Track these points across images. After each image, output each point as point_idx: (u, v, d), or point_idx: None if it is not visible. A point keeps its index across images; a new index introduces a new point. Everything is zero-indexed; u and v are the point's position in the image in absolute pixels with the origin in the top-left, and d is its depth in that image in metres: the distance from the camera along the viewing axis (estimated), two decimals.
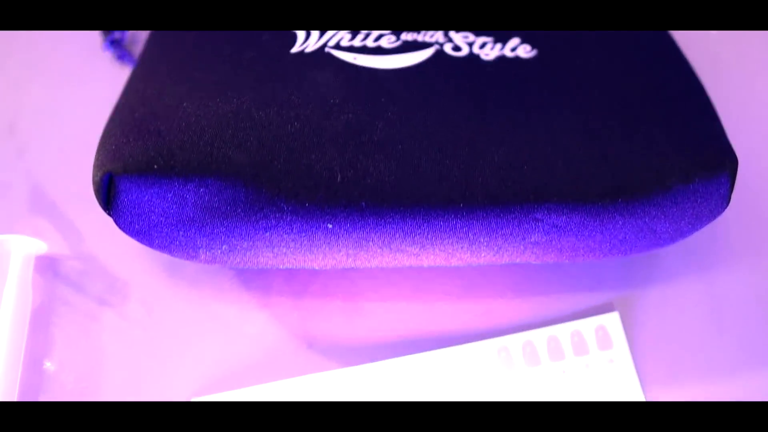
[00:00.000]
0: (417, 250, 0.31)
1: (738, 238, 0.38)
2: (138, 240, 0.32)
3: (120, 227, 0.32)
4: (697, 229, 0.33)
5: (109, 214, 0.31)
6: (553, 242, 0.32)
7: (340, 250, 0.31)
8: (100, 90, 0.38)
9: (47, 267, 0.36)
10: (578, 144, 0.33)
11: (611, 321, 0.36)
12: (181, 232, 0.31)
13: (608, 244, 0.32)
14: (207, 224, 0.31)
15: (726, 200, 0.33)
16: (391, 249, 0.31)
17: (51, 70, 0.41)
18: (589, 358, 0.35)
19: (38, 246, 0.36)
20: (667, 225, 0.32)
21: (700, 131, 0.34)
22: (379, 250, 0.31)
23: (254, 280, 0.36)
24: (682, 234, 0.33)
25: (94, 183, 0.31)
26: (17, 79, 0.41)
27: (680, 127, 0.33)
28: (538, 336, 0.35)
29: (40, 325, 0.35)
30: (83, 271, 0.36)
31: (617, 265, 0.37)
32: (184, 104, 0.32)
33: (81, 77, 0.41)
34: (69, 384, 0.34)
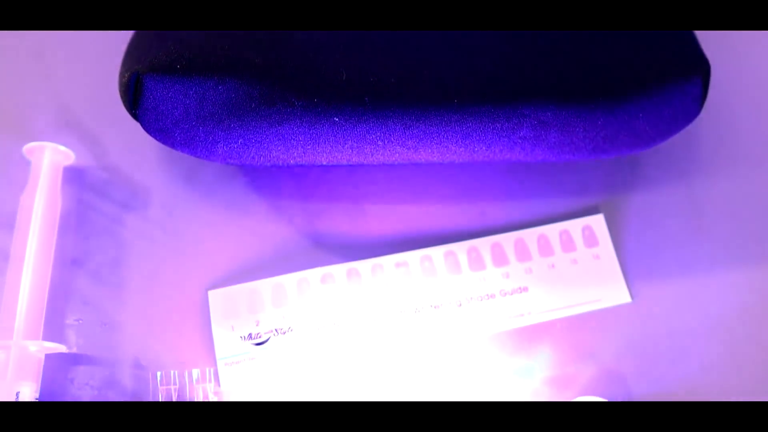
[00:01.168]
0: (415, 143, 0.34)
1: (714, 147, 0.41)
2: (161, 139, 0.35)
3: (145, 126, 0.34)
4: (674, 131, 0.36)
5: (134, 115, 0.34)
6: (540, 138, 0.35)
7: (345, 143, 0.34)
8: None
9: (74, 177, 0.39)
10: (562, 50, 0.36)
11: (597, 222, 0.39)
12: (201, 128, 0.34)
13: (591, 142, 0.35)
14: (225, 119, 0.33)
15: (699, 102, 0.36)
16: (391, 142, 0.34)
17: None
18: (577, 254, 0.38)
19: (67, 154, 0.38)
20: (646, 124, 0.35)
21: (676, 40, 0.36)
22: (380, 143, 0.34)
23: (266, 186, 0.39)
24: (661, 134, 0.36)
25: (121, 84, 0.34)
26: None
27: (657, 36, 0.36)
28: (529, 234, 0.38)
29: (69, 227, 0.38)
30: (108, 180, 0.39)
31: (602, 172, 0.40)
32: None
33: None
34: (95, 276, 0.37)
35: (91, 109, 0.41)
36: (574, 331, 0.37)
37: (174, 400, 0.35)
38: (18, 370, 0.34)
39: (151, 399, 0.35)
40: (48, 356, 0.35)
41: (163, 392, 0.35)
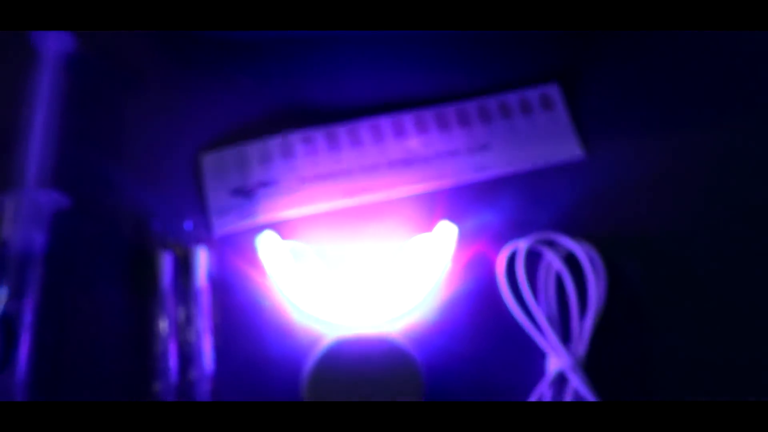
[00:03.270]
0: None
1: None
2: None
3: None
4: None
5: None
6: None
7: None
8: None
9: (76, 64, 0.43)
10: None
11: (552, 89, 0.42)
12: None
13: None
14: None
15: None
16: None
17: None
18: (534, 117, 0.42)
19: (69, 41, 0.42)
20: None
21: None
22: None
23: (252, 66, 0.43)
24: None
25: None
26: None
27: None
28: (491, 100, 0.42)
29: (72, 106, 0.42)
30: (107, 65, 0.43)
31: (558, 47, 0.44)
32: None
33: None
34: (97, 146, 0.41)
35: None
36: (534, 183, 0.40)
37: (169, 248, 0.38)
38: (28, 218, 0.37)
39: (147, 246, 0.39)
40: (55, 215, 0.39)
41: (160, 244, 0.39)
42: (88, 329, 0.38)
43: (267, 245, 0.37)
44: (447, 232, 0.37)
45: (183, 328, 0.38)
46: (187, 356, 0.37)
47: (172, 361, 0.37)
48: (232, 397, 0.37)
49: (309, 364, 0.35)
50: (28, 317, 0.36)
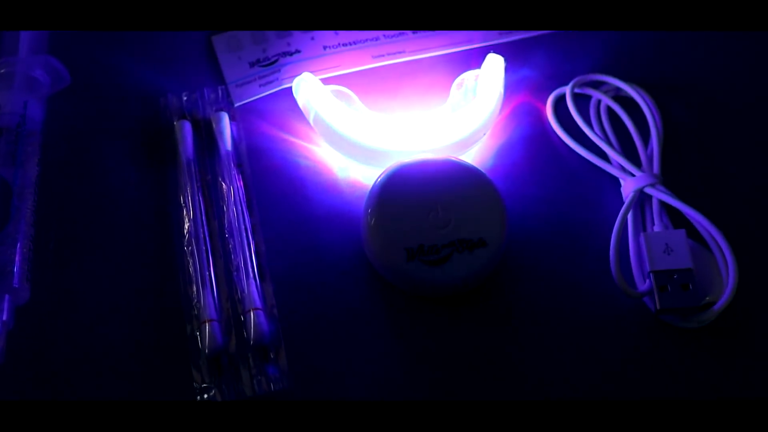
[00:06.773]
0: None
1: None
2: None
3: None
4: None
5: None
6: None
7: None
8: None
9: None
10: None
11: None
12: None
13: None
14: None
15: None
16: None
17: None
18: None
19: None
20: None
21: None
22: None
23: None
24: None
25: None
26: None
27: None
28: None
29: None
30: None
31: None
32: None
33: None
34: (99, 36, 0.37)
35: None
36: (564, 43, 0.39)
37: (185, 118, 0.34)
38: (24, 84, 0.33)
39: (162, 121, 0.34)
40: (56, 94, 0.35)
41: (176, 115, 0.34)
42: (102, 208, 0.33)
43: (307, 87, 0.33)
44: (495, 64, 0.35)
45: (209, 207, 0.32)
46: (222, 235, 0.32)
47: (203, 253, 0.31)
48: (284, 264, 0.31)
49: (372, 187, 0.31)
50: (29, 188, 0.31)
